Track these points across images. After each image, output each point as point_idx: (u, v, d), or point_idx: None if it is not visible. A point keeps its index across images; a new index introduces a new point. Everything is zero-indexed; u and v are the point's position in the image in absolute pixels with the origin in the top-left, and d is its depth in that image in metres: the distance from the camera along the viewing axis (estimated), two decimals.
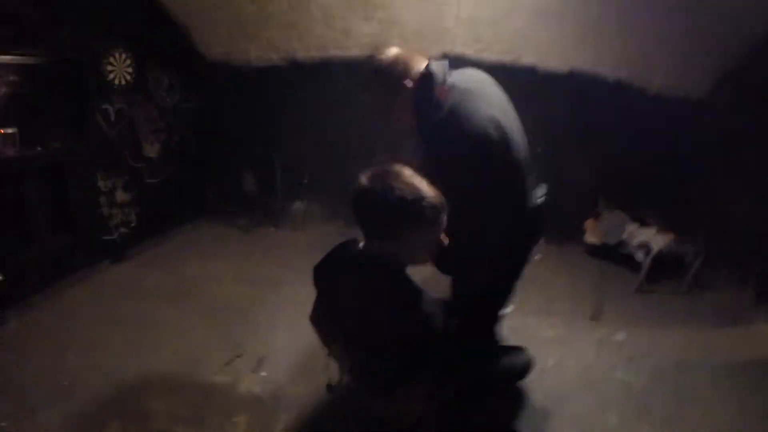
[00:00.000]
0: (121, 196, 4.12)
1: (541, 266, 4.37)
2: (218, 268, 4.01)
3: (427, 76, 1.83)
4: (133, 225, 4.25)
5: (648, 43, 4.09)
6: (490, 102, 1.86)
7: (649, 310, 3.62)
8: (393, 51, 1.89)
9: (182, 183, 4.86)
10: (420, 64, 1.87)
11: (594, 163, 4.75)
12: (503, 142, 1.78)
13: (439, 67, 1.86)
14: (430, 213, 1.35)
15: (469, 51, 4.24)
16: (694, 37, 3.87)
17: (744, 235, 4.04)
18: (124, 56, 3.96)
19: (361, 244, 1.56)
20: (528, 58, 4.28)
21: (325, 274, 1.63)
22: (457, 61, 4.09)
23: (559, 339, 3.11)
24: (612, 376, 2.75)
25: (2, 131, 3.14)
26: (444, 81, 1.83)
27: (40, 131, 3.43)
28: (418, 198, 1.32)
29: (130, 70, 4.04)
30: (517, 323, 3.23)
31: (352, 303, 1.50)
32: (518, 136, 1.90)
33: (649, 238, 4.24)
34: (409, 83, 1.84)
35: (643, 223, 4.49)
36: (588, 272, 4.30)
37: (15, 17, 3.13)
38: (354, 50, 4.35)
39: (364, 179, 1.37)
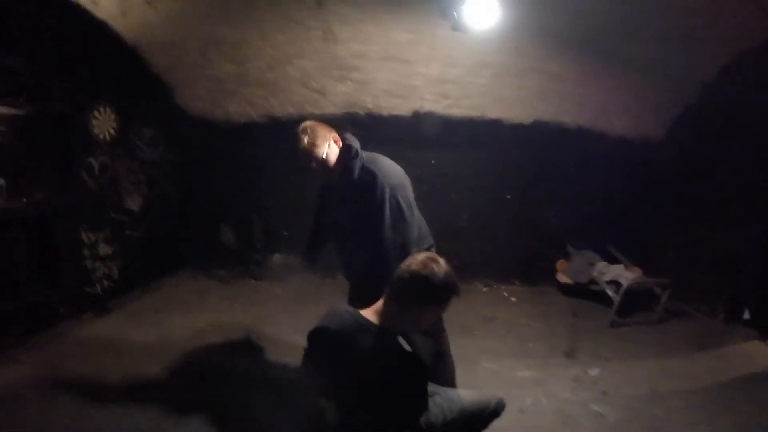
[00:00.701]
0: (103, 249, 4.14)
1: (515, 309, 4.54)
2: (201, 323, 3.98)
3: (349, 144, 2.37)
4: (115, 278, 4.27)
5: (607, 91, 4.40)
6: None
7: (622, 343, 3.76)
8: (309, 124, 2.36)
9: (163, 235, 4.90)
10: (332, 133, 2.38)
11: (561, 206, 5.00)
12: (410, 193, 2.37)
13: (355, 137, 2.42)
14: (452, 298, 1.72)
15: (438, 107, 4.51)
16: (650, 81, 4.18)
17: (709, 265, 4.28)
18: (108, 111, 4.05)
19: (365, 313, 1.73)
20: (493, 112, 4.56)
21: (322, 341, 1.75)
22: (427, 117, 4.33)
23: (536, 379, 3.20)
24: (587, 411, 2.85)
25: None
26: (359, 147, 2.38)
27: (26, 183, 3.44)
28: (452, 286, 1.69)
29: (114, 124, 4.12)
30: (495, 366, 3.34)
31: (353, 365, 1.64)
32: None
33: (618, 275, 4.43)
34: (328, 147, 2.33)
35: (612, 261, 4.71)
36: (561, 311, 4.46)
37: (7, 70, 3.18)
38: (329, 108, 4.58)
39: (417, 264, 1.68)
